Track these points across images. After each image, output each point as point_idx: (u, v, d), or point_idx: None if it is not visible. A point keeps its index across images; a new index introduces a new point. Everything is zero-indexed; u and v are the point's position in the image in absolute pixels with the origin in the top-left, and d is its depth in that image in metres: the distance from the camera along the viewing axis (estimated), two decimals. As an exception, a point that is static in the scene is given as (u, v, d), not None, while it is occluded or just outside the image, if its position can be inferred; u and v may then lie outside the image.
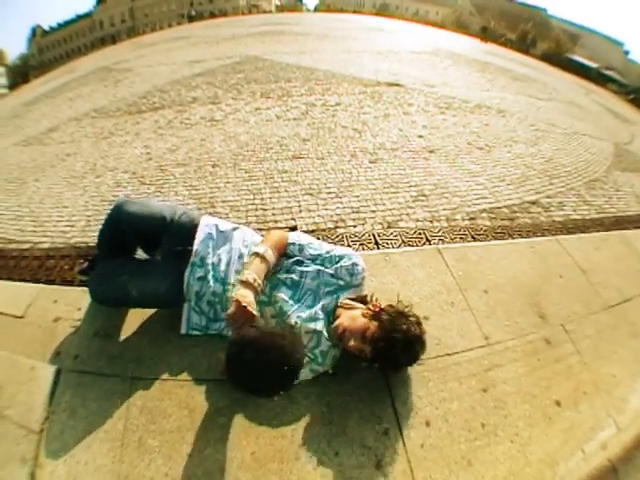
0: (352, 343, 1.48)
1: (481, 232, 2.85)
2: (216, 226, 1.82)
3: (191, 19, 39.81)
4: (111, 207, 1.93)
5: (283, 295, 1.60)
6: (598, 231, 3.10)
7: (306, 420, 1.53)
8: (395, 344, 1.44)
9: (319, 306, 1.60)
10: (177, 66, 10.49)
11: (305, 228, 2.86)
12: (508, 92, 7.50)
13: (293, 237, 1.74)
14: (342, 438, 1.47)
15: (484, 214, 3.13)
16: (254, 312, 1.46)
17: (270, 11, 51.37)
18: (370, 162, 3.90)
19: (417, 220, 2.98)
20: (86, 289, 2.27)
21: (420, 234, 2.77)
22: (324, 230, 2.84)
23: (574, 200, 3.63)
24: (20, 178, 5.02)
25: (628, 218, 3.51)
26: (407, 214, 3.05)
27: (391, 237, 2.73)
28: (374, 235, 2.75)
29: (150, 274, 1.70)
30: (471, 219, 3.04)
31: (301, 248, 1.72)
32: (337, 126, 4.86)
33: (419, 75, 7.75)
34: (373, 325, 1.49)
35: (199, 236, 1.75)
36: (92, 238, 3.11)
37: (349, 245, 2.64)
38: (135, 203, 1.83)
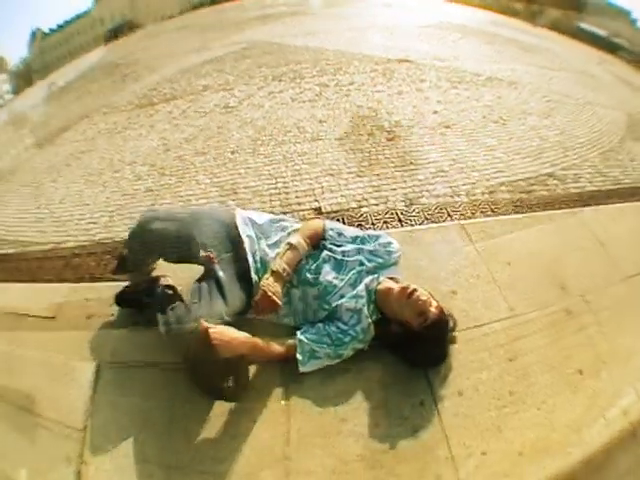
0: (422, 300, 1.53)
1: (501, 206, 2.91)
2: (252, 221, 1.88)
3: (194, 7, 38.92)
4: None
5: (328, 277, 1.68)
6: (614, 203, 3.12)
7: (346, 395, 1.60)
8: (446, 325, 1.61)
9: (362, 285, 1.67)
10: (184, 55, 10.29)
11: (329, 209, 2.94)
12: (519, 63, 7.35)
13: (330, 224, 1.83)
14: (381, 410, 1.55)
15: (502, 187, 3.16)
16: (279, 302, 1.57)
17: None
18: (388, 140, 3.93)
19: (438, 196, 3.03)
20: (115, 284, 2.22)
21: (442, 209, 2.83)
22: (348, 210, 2.91)
23: (589, 172, 3.64)
24: (35, 181, 5.03)
25: (644, 189, 3.52)
26: (428, 190, 3.09)
27: (414, 214, 2.80)
28: (397, 213, 2.82)
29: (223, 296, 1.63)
30: (490, 193, 3.08)
31: (340, 232, 1.80)
32: (352, 106, 4.87)
33: (429, 50, 7.63)
34: (435, 302, 1.60)
35: (244, 236, 1.79)
36: (117, 233, 3.18)
37: (373, 224, 2.72)
38: (159, 220, 1.81)
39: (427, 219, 2.74)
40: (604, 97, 6.26)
